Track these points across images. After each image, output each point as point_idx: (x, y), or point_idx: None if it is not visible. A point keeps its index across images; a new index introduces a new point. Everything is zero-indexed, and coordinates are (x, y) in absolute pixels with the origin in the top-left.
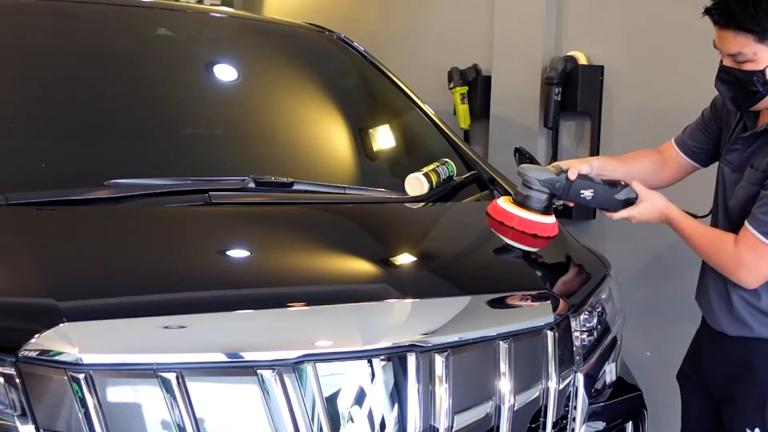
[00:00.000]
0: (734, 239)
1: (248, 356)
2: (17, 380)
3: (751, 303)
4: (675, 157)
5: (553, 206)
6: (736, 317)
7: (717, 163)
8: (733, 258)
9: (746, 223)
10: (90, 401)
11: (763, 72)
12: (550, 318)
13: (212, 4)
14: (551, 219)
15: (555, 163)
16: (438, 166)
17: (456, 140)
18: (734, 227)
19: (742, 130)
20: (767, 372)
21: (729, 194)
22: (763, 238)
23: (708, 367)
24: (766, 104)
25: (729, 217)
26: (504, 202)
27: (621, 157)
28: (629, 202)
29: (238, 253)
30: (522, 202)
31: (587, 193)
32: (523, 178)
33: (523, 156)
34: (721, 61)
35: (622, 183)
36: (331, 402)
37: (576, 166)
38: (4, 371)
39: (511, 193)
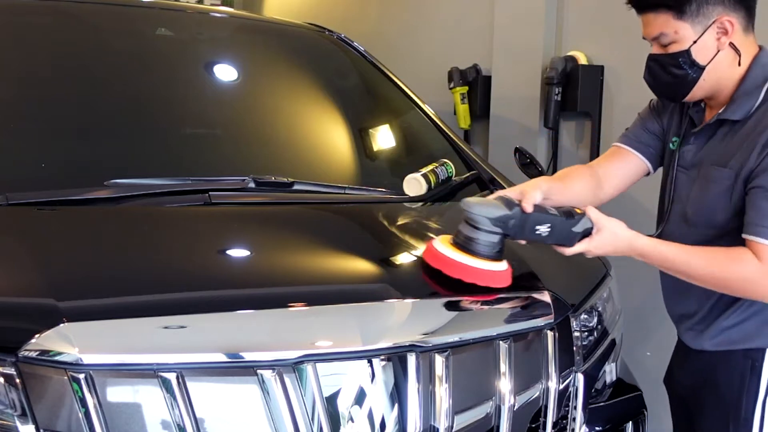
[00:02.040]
0: (751, 254)
1: (248, 356)
2: (17, 380)
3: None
4: (631, 160)
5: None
6: (697, 332)
7: (660, 177)
8: (764, 273)
9: (754, 237)
10: (90, 401)
11: (688, 51)
12: (550, 318)
13: (212, 4)
14: (503, 265)
15: (501, 193)
16: (437, 167)
17: (456, 140)
18: (703, 236)
19: (691, 126)
20: (728, 387)
21: (684, 198)
22: None
23: (676, 375)
24: (702, 93)
25: (693, 226)
26: (442, 246)
27: (558, 178)
28: (586, 234)
29: (238, 253)
30: (466, 246)
31: (543, 229)
32: (468, 216)
33: (523, 156)
34: (650, 53)
35: (578, 211)
36: (331, 402)
37: (529, 195)
38: (5, 371)
39: None
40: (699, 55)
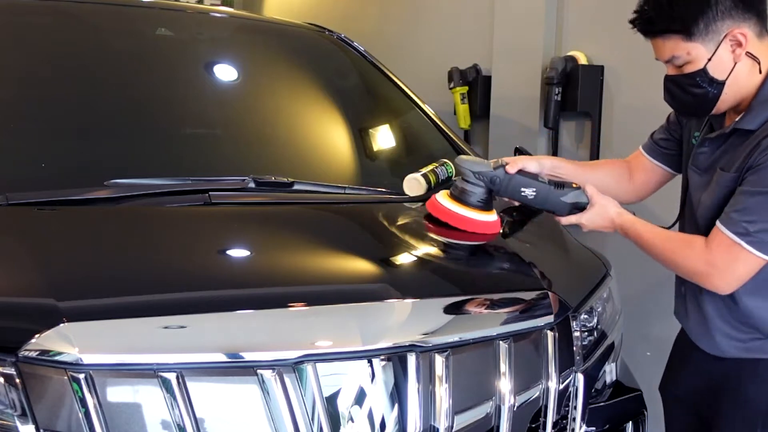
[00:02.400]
0: (704, 241)
1: (248, 356)
2: (17, 380)
3: (729, 332)
4: (644, 163)
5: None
6: (716, 342)
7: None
8: (705, 260)
9: (718, 223)
10: (90, 401)
11: (704, 70)
12: (550, 318)
13: (212, 4)
14: (490, 216)
15: (500, 158)
16: (437, 167)
17: (456, 140)
18: (703, 234)
19: (709, 130)
20: (757, 395)
21: (696, 200)
22: (737, 239)
23: (681, 381)
24: (727, 105)
25: (697, 223)
26: (441, 197)
27: (580, 163)
28: (579, 207)
29: (238, 253)
30: (458, 197)
31: (528, 192)
32: (459, 170)
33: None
34: (666, 74)
35: (574, 185)
36: (331, 402)
37: (520, 162)
38: (4, 371)
39: None
40: (716, 71)
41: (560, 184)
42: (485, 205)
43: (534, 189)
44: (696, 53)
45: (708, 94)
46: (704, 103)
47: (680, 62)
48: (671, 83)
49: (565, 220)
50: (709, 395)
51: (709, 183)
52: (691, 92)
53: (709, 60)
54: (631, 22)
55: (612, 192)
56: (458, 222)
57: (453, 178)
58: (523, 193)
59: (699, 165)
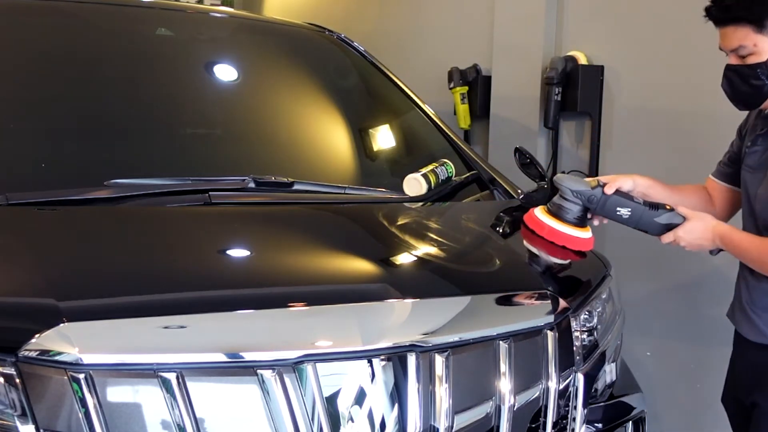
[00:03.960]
0: None
1: (248, 356)
2: (17, 380)
3: None
4: (718, 188)
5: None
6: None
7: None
8: None
9: None
10: (90, 401)
11: (766, 63)
12: (550, 318)
13: (212, 4)
14: (584, 233)
15: (597, 177)
16: (437, 167)
17: (456, 140)
18: (762, 232)
19: (760, 128)
20: None
21: (753, 198)
22: None
23: (738, 370)
24: None
25: (756, 222)
26: (538, 211)
27: (670, 185)
28: (671, 228)
29: (238, 253)
30: (555, 213)
31: (624, 211)
32: (558, 187)
33: (523, 156)
34: (728, 63)
35: (667, 207)
36: (331, 402)
37: (617, 182)
38: (5, 371)
39: (513, 194)
40: None
41: (654, 205)
42: (580, 222)
43: (629, 209)
44: (762, 46)
45: (765, 86)
46: (759, 95)
47: (745, 53)
48: (732, 72)
49: (665, 238)
50: (753, 383)
51: (763, 179)
52: (750, 83)
53: None
54: (706, 9)
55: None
56: (553, 236)
57: (453, 179)
58: (618, 213)
59: (752, 163)
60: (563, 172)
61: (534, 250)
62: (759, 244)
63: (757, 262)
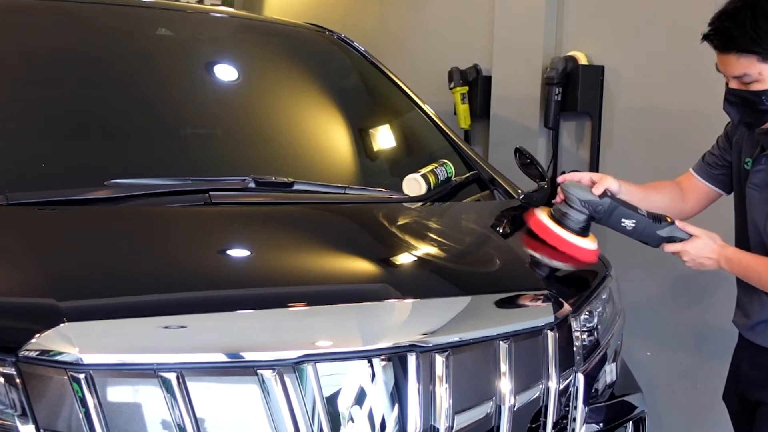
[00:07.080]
0: None
1: (248, 356)
2: (17, 380)
3: None
4: (696, 185)
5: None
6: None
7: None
8: None
9: None
10: (90, 401)
11: None
12: (550, 318)
13: (212, 4)
14: (589, 243)
15: (602, 186)
16: (436, 167)
17: (456, 140)
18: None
19: (761, 150)
20: None
21: (759, 218)
22: None
23: (744, 369)
24: None
25: (761, 237)
26: (544, 217)
27: (639, 185)
28: (671, 241)
29: (238, 253)
30: (559, 219)
31: (628, 223)
32: (565, 195)
33: (523, 156)
34: (727, 84)
35: (668, 219)
36: (331, 402)
37: (604, 183)
38: (5, 371)
39: (513, 194)
40: None
41: (657, 218)
42: (584, 231)
43: (634, 221)
44: (767, 74)
45: None
46: (762, 119)
47: (749, 80)
48: (735, 97)
49: (669, 248)
50: (758, 383)
51: None
52: (753, 108)
53: None
54: (705, 36)
55: (669, 212)
56: (558, 243)
57: (453, 179)
58: (623, 224)
59: (759, 182)
60: (563, 172)
61: (534, 250)
62: (757, 264)
63: (756, 281)
